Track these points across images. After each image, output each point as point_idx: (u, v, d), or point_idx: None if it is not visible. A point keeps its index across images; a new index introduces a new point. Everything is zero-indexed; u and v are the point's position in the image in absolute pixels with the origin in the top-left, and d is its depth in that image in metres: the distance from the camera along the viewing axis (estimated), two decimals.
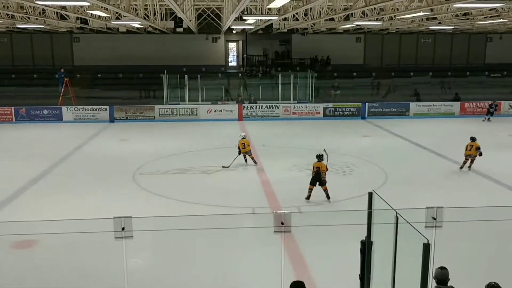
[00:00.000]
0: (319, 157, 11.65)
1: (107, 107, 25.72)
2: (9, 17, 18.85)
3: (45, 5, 14.39)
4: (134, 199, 12.19)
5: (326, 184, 11.59)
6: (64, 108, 25.55)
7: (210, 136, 18.25)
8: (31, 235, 8.55)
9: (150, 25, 21.47)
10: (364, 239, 5.42)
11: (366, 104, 26.56)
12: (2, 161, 16.43)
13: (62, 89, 26.37)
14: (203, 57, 31.09)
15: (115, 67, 29.70)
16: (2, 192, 12.48)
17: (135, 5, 17.28)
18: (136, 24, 20.98)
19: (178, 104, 26.68)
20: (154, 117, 25.59)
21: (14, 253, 8.84)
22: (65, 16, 19.20)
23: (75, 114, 25.50)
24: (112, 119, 25.39)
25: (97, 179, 14.15)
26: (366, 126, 24.29)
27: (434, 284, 4.91)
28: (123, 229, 4.60)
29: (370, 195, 5.36)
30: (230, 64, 33.20)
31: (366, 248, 5.33)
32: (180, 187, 13.33)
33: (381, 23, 21.60)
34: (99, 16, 17.40)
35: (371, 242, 5.32)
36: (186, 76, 26.77)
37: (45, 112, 25.45)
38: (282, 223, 4.81)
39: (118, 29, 25.56)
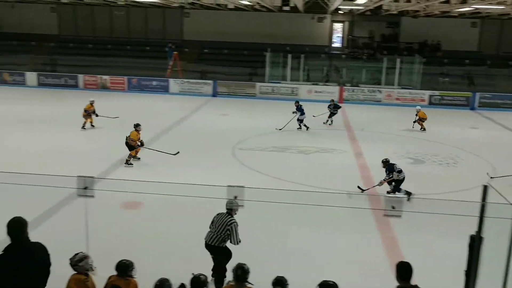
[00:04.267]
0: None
1: (211, 81, 26.58)
2: None
3: None
4: (233, 172, 12.53)
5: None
6: (171, 81, 26.85)
7: (309, 116, 18.18)
8: (137, 197, 9.14)
9: (258, 3, 21.67)
10: (474, 233, 5.09)
11: (477, 94, 24.82)
12: (113, 127, 17.63)
13: (171, 62, 27.66)
14: (307, 36, 30.79)
15: (221, 43, 30.44)
16: (111, 156, 13.42)
17: None
18: (245, 1, 21.29)
19: (279, 82, 26.83)
20: (255, 94, 25.99)
21: (122, 212, 9.52)
22: None
23: (181, 86, 26.69)
24: (214, 94, 26.22)
25: (198, 151, 14.71)
26: (475, 117, 22.77)
27: None
28: (235, 197, 4.75)
29: (485, 188, 5.01)
30: (333, 45, 32.59)
31: (475, 242, 5.00)
32: (277, 165, 13.46)
33: (503, 7, 19.91)
34: None
35: (482, 237, 4.99)
36: (289, 55, 26.78)
37: (154, 83, 26.91)
38: (393, 207, 4.67)
39: (226, 5, 26.11)
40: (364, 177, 12.53)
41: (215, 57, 29.75)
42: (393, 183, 10.57)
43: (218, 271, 6.77)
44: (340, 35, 32.96)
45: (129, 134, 13.10)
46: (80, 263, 5.05)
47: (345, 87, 25.94)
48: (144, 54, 29.98)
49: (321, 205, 6.79)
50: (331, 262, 7.75)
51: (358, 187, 11.25)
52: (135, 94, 26.04)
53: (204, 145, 15.49)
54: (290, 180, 11.84)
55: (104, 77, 27.24)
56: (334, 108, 19.29)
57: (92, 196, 4.43)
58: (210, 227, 6.87)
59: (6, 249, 4.18)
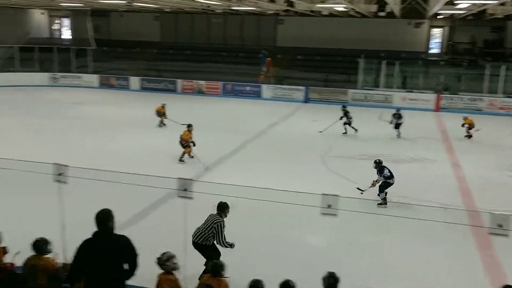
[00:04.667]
0: None
1: (303, 87, 26.70)
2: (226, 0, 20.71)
3: None
4: (322, 179, 12.51)
5: None
6: (264, 86, 27.36)
7: (404, 124, 17.66)
8: (231, 199, 9.46)
9: (352, 9, 21.44)
10: None
11: None
12: (207, 131, 18.34)
13: (264, 68, 28.20)
14: (403, 42, 29.85)
15: (314, 49, 30.46)
16: (207, 159, 13.96)
17: None
18: (340, 7, 21.16)
19: (372, 89, 26.29)
20: (347, 101, 25.68)
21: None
22: None
23: (273, 92, 27.11)
24: (306, 100, 26.30)
25: (288, 156, 14.87)
26: None
27: None
28: (329, 206, 4.76)
29: None
30: (431, 51, 31.27)
31: None
32: (367, 174, 13.20)
33: None
34: None
35: None
36: (383, 62, 26.16)
37: (248, 88, 27.59)
38: (500, 226, 4.40)
39: (320, 12, 26.11)
40: (462, 189, 11.93)
41: (308, 63, 29.82)
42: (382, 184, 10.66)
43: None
44: (439, 40, 31.55)
45: (181, 134, 13.72)
46: (167, 262, 5.31)
47: (442, 94, 24.79)
48: (239, 60, 30.82)
49: (417, 218, 6.60)
50: (425, 277, 7.50)
51: (358, 188, 11.17)
52: (229, 99, 26.87)
53: (294, 151, 15.62)
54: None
55: (201, 82, 28.43)
56: (398, 118, 17.85)
57: (191, 198, 4.70)
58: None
59: (93, 235, 4.63)
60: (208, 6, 24.37)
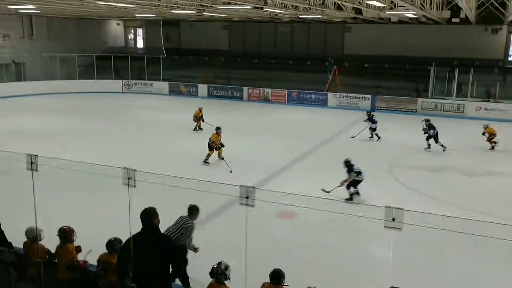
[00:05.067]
0: None
1: (370, 96, 26.21)
2: (293, 8, 20.79)
3: None
4: (388, 190, 12.21)
5: None
6: (330, 94, 27.14)
7: (477, 136, 16.84)
8: (292, 207, 9.46)
9: (424, 15, 20.80)
10: None
11: None
12: (271, 138, 18.44)
13: (330, 76, 27.98)
14: (478, 49, 28.49)
15: (382, 56, 29.81)
16: (271, 166, 14.07)
17: None
18: (410, 14, 20.59)
19: (443, 98, 25.31)
20: (416, 110, 24.91)
21: (278, 221, 9.93)
22: (342, 6, 20.15)
23: (339, 100, 26.82)
24: (373, 109, 25.76)
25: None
26: None
27: None
28: (393, 219, 4.63)
29: None
30: (510, 58, 29.60)
31: None
32: (436, 186, 12.73)
33: None
34: (374, 6, 17.69)
35: None
36: (456, 70, 25.13)
37: (313, 96, 27.50)
38: None
39: (389, 19, 25.54)
40: None
41: (375, 71, 29.23)
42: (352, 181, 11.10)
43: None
44: None
45: (211, 136, 14.38)
46: (221, 272, 5.30)
47: None
48: (305, 68, 30.77)
49: (494, 237, 6.25)
50: None
51: (322, 189, 11.30)
52: (294, 107, 26.88)
53: (359, 160, 15.32)
54: (450, 203, 11.11)
55: (267, 90, 28.68)
56: (429, 128, 16.63)
57: (253, 206, 4.75)
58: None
59: (138, 233, 4.87)
60: (276, 15, 24.59)
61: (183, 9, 21.21)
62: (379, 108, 25.65)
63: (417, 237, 8.44)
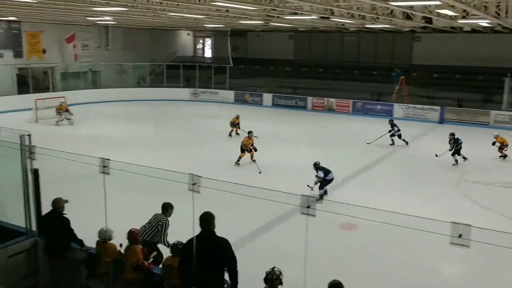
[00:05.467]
0: None
1: (438, 108, 25.37)
2: (360, 18, 20.60)
3: (397, 6, 15.06)
4: (455, 205, 11.78)
5: None
6: (396, 105, 26.54)
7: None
8: (354, 219, 9.37)
9: (499, 24, 19.90)
10: None
11: None
12: (335, 148, 18.29)
13: (397, 87, 27.36)
14: None
15: (452, 67, 28.77)
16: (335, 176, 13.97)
17: (486, 2, 16.29)
18: (484, 22, 19.79)
19: None
20: (488, 123, 23.82)
21: (339, 232, 9.86)
22: (411, 15, 19.71)
23: (406, 112, 26.15)
24: (441, 121, 24.92)
25: (417, 179, 14.23)
26: None
27: None
28: (460, 236, 4.49)
29: None
30: None
31: None
32: (508, 203, 12.12)
33: None
34: (445, 15, 17.17)
35: None
36: None
37: (378, 107, 27.02)
38: None
39: (462, 28, 24.65)
40: None
41: (445, 82, 28.24)
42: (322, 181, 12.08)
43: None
44: None
45: (243, 140, 15.53)
46: (275, 280, 5.38)
47: None
48: (371, 78, 30.28)
49: None
50: None
51: (308, 185, 12.18)
52: (359, 117, 26.51)
53: (425, 173, 14.92)
54: None
55: (331, 99, 28.51)
56: (452, 142, 16.42)
57: (314, 216, 4.80)
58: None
59: (198, 235, 5.12)
60: (343, 25, 24.45)
61: (250, 19, 21.63)
62: (449, 120, 24.75)
63: (485, 255, 8.11)
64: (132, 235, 6.38)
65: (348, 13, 17.81)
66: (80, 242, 6.88)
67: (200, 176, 5.28)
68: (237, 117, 20.52)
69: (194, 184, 5.30)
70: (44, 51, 28.81)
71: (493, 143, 17.00)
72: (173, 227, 7.50)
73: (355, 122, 25.16)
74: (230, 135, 20.15)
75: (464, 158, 16.48)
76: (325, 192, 12.22)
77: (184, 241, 5.54)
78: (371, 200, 11.62)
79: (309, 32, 33.12)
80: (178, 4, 15.81)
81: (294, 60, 35.31)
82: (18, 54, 27.64)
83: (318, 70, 32.81)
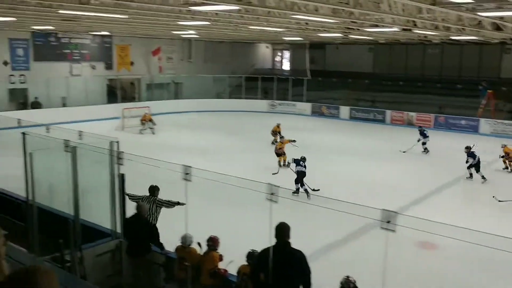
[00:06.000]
0: None
1: None
2: (445, 29, 19.84)
3: (485, 16, 14.40)
4: None
5: None
6: (482, 120, 25.17)
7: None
8: (433, 237, 8.98)
9: None
10: None
11: None
12: (415, 163, 17.63)
13: (484, 101, 25.96)
14: None
15: None
16: (412, 192, 13.51)
17: None
18: None
19: None
20: None
21: (414, 251, 9.48)
22: (501, 26, 18.69)
23: (493, 127, 24.71)
24: None
25: (505, 198, 13.38)
26: None
27: None
28: None
29: None
30: None
31: None
32: None
33: None
34: None
35: None
36: None
37: (463, 122, 25.76)
38: None
39: None
40: None
41: None
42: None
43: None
44: None
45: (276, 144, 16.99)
46: (356, 285, 5.30)
47: None
48: (455, 92, 28.98)
49: None
50: None
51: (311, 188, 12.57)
52: (441, 132, 25.41)
53: (495, 193, 13.98)
54: None
55: (411, 113, 27.60)
56: (468, 156, 15.67)
57: (393, 231, 4.68)
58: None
59: (274, 246, 5.10)
60: (425, 37, 23.67)
61: (329, 32, 21.56)
62: None
63: None
64: (211, 241, 6.56)
65: (432, 24, 17.23)
66: (161, 245, 7.16)
67: (278, 186, 5.34)
68: (278, 126, 20.96)
69: (272, 194, 5.36)
70: (132, 63, 30.52)
71: (501, 156, 16.77)
72: (249, 236, 7.60)
73: (436, 136, 24.08)
74: (273, 143, 20.22)
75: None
76: (311, 190, 12.50)
77: (259, 250, 5.60)
78: (453, 218, 11.08)
79: (390, 44, 32.40)
80: (258, 18, 16.13)
81: (373, 73, 34.64)
82: (108, 66, 29.52)
83: (398, 83, 31.92)
